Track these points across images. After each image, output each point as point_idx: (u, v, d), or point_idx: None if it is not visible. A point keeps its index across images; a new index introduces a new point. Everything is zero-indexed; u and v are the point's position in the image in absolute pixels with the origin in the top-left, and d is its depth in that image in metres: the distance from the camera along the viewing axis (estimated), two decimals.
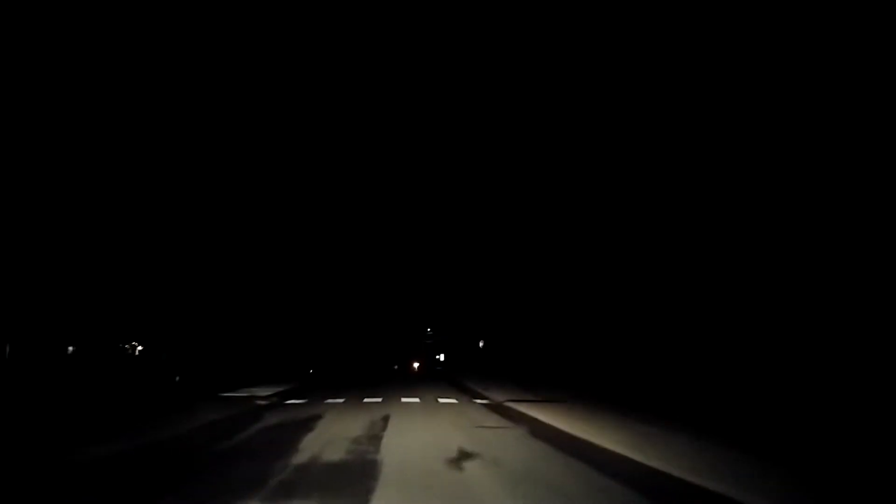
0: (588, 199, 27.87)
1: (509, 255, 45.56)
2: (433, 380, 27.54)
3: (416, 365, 69.36)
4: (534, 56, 26.79)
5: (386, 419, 11.05)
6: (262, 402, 15.59)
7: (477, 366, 42.60)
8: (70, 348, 23.98)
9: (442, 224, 55.58)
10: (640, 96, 20.83)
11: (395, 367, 71.33)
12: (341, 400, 15.85)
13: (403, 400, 15.74)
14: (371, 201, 57.80)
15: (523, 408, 13.27)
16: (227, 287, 49.15)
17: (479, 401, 15.80)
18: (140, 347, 39.44)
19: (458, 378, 25.97)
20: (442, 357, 74.65)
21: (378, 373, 41.23)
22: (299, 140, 44.52)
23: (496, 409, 13.56)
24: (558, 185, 31.04)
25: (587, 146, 25.75)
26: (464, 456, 7.00)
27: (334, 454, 7.23)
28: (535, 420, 10.82)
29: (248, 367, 39.23)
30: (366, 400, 15.77)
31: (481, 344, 52.82)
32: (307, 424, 10.38)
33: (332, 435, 8.99)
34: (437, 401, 15.70)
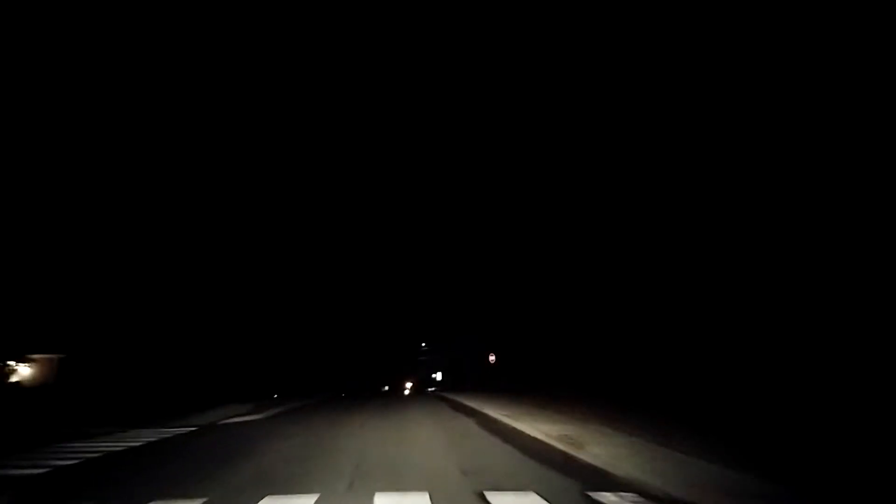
0: (608, 191, 24.69)
1: (524, 251, 36.48)
2: (439, 410, 16.31)
3: (408, 385, 59.79)
4: (534, 57, 26.33)
5: None
6: None
7: (496, 387, 31.74)
8: None
9: (438, 222, 46.29)
10: (640, 97, 19.86)
11: (385, 388, 61.46)
12: None
13: None
14: (357, 195, 48.47)
15: None
16: (171, 292, 38.36)
17: (613, 499, 5.00)
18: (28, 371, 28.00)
19: (482, 408, 14.93)
20: (439, 376, 63.81)
21: (359, 397, 30.21)
22: (261, 138, 39.41)
23: None
24: (574, 175, 27.29)
25: (600, 148, 24.06)
26: None
27: None
28: None
29: (172, 391, 28.34)
30: None
31: (492, 358, 41.88)
32: None
33: None
34: None
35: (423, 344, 72.82)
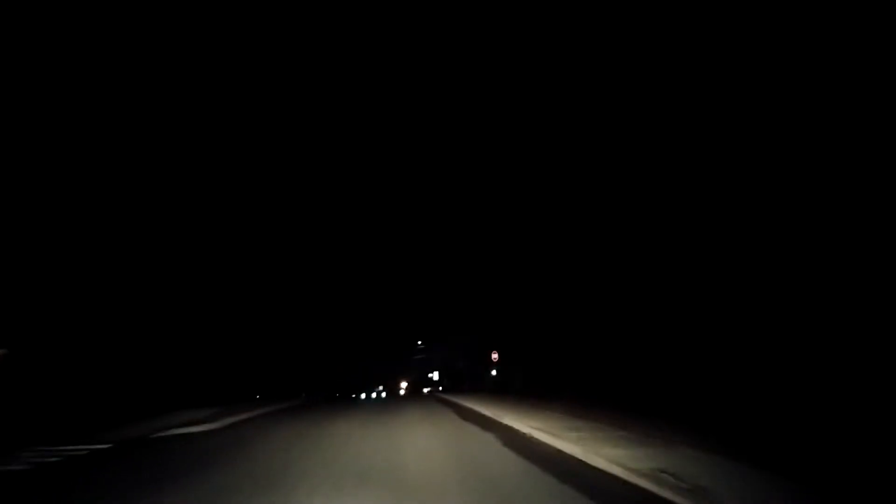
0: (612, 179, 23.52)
1: (524, 249, 33.36)
2: (443, 417, 12.57)
3: (403, 385, 56.85)
4: (532, 57, 26.53)
5: None
6: None
7: (498, 388, 28.48)
8: None
9: (434, 218, 43.15)
10: (640, 96, 20.24)
11: (381, 387, 58.28)
12: None
13: None
14: (351, 186, 45.34)
15: None
16: (144, 283, 34.74)
17: None
18: None
19: (499, 417, 11.39)
20: (436, 376, 60.43)
21: (353, 398, 26.78)
22: (251, 130, 37.16)
23: None
24: (574, 172, 26.45)
25: (603, 146, 23.85)
26: None
27: None
28: None
29: (128, 392, 24.86)
30: None
31: (495, 357, 38.44)
32: None
33: None
34: None
35: (420, 342, 69.49)
